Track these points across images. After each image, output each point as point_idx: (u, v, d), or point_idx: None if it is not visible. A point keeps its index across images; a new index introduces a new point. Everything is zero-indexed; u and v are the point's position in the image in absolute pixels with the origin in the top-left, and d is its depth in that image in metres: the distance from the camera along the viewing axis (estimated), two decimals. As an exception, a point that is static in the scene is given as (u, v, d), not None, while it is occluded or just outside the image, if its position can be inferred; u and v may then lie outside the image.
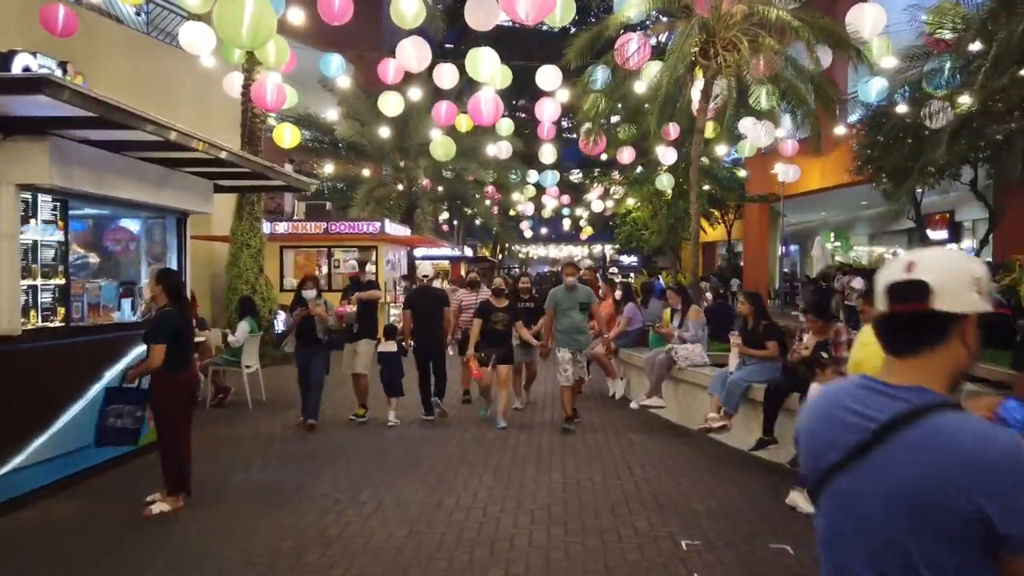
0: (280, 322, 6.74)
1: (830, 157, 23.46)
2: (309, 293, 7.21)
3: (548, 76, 13.40)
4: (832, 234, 33.83)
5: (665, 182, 19.28)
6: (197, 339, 8.88)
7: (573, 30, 38.06)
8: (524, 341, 7.77)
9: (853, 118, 24.16)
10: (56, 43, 10.53)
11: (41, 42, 10.86)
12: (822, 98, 9.33)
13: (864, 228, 33.49)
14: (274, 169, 6.57)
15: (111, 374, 5.78)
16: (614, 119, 14.28)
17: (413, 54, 10.71)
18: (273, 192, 12.11)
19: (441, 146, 13.88)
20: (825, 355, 5.28)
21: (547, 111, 13.98)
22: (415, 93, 15.80)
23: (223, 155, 5.38)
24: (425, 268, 9.42)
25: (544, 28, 38.94)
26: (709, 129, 17.66)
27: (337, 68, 13.52)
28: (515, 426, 7.53)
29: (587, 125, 13.68)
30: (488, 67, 10.80)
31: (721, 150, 18.05)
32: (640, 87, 11.14)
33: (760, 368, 6.24)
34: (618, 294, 9.25)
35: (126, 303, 6.34)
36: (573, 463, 6.17)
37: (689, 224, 24.79)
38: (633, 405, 7.69)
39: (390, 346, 7.99)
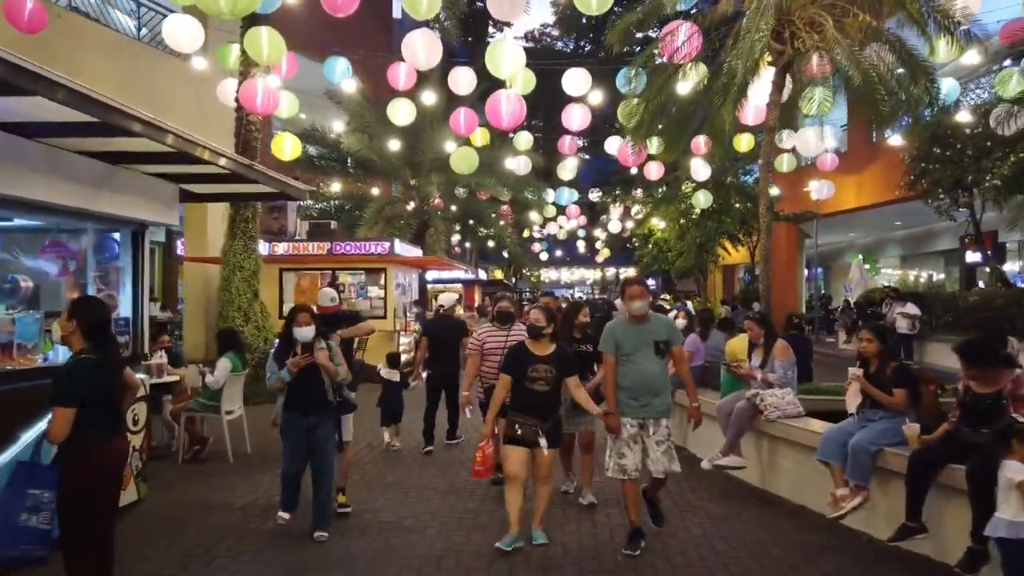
0: (270, 371, 4.81)
1: (866, 173, 22.08)
2: (305, 332, 4.76)
3: (576, 80, 12.06)
4: (860, 256, 32.38)
5: (702, 200, 17.85)
6: (170, 378, 7.48)
7: (588, 47, 37.27)
8: (578, 403, 4.96)
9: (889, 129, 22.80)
10: (37, 44, 9.28)
11: (18, 43, 9.64)
12: (930, 90, 7.81)
13: (895, 250, 31.91)
14: (254, 168, 5.16)
15: (30, 437, 4.31)
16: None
17: (421, 49, 9.35)
18: (258, 201, 10.69)
19: (462, 158, 12.46)
20: (1021, 420, 3.74)
21: (575, 118, 12.59)
22: (428, 102, 14.56)
23: (172, 141, 3.95)
24: (445, 297, 8.04)
25: (559, 45, 38.10)
26: (743, 142, 16.26)
27: (342, 72, 12.28)
28: (564, 503, 5.83)
29: (623, 138, 12.27)
30: (511, 62, 9.42)
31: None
32: (684, 88, 9.70)
33: (892, 426, 4.70)
34: (680, 322, 7.63)
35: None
36: (648, 560, 4.60)
37: (718, 245, 23.56)
38: (705, 464, 6.13)
39: (393, 374, 7.91)
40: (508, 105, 9.35)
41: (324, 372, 4.84)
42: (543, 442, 4.54)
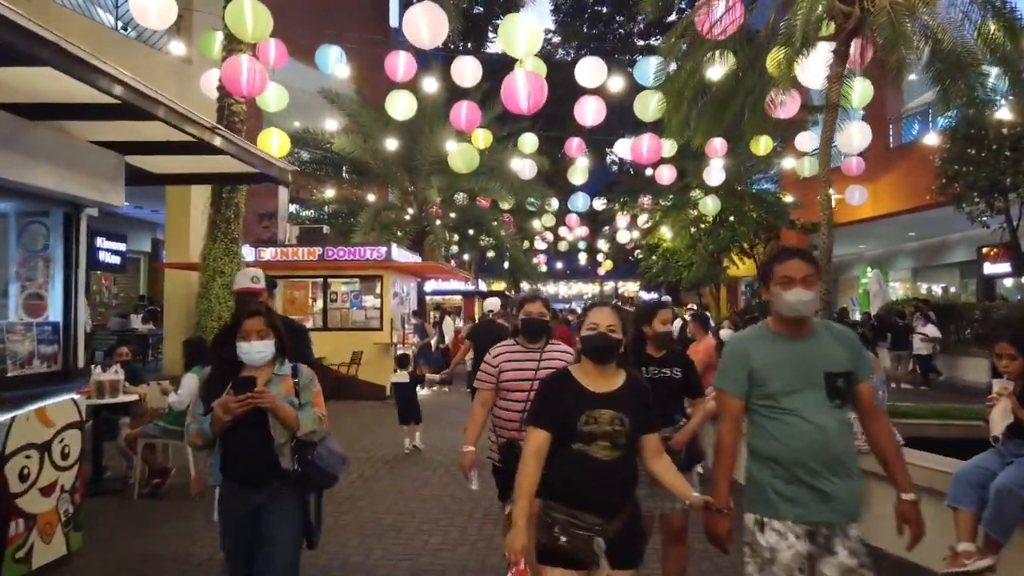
0: (190, 417, 3.11)
1: (883, 181, 21.17)
2: (254, 351, 2.91)
3: (590, 70, 11.10)
4: (869, 268, 31.54)
5: (710, 205, 16.84)
6: (127, 397, 6.35)
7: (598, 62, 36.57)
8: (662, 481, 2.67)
9: (913, 130, 21.93)
10: None
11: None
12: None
13: (906, 262, 31.00)
14: (218, 132, 4.06)
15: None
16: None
17: (424, 24, 8.34)
18: (230, 183, 9.56)
19: (461, 155, 11.42)
20: None
21: (589, 111, 11.59)
22: (428, 90, 13.66)
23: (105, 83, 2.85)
24: (491, 302, 8.20)
25: (560, 53, 37.35)
26: (761, 145, 15.29)
27: (336, 60, 11.30)
28: None
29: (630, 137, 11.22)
30: (527, 41, 8.41)
31: (788, 163, 15.57)
32: (725, 65, 8.68)
33: (1048, 463, 3.60)
34: (726, 333, 6.38)
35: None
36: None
37: (731, 255, 22.43)
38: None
39: (402, 377, 8.04)
40: (526, 84, 8.22)
41: (275, 419, 2.85)
42: (604, 561, 2.42)
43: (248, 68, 8.22)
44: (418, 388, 8.32)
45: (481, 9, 31.39)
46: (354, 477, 6.69)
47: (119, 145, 4.30)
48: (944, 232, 23.86)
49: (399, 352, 9.11)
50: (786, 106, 9.33)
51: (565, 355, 3.55)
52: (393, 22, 28.98)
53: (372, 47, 19.46)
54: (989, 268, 22.82)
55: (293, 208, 19.62)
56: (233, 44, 10.16)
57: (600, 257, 34.15)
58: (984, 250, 22.07)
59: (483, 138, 13.54)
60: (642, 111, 11.12)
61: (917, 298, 19.62)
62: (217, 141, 4.06)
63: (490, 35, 33.01)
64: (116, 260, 19.95)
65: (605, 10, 37.63)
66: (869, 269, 31.88)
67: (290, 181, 5.39)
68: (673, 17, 39.67)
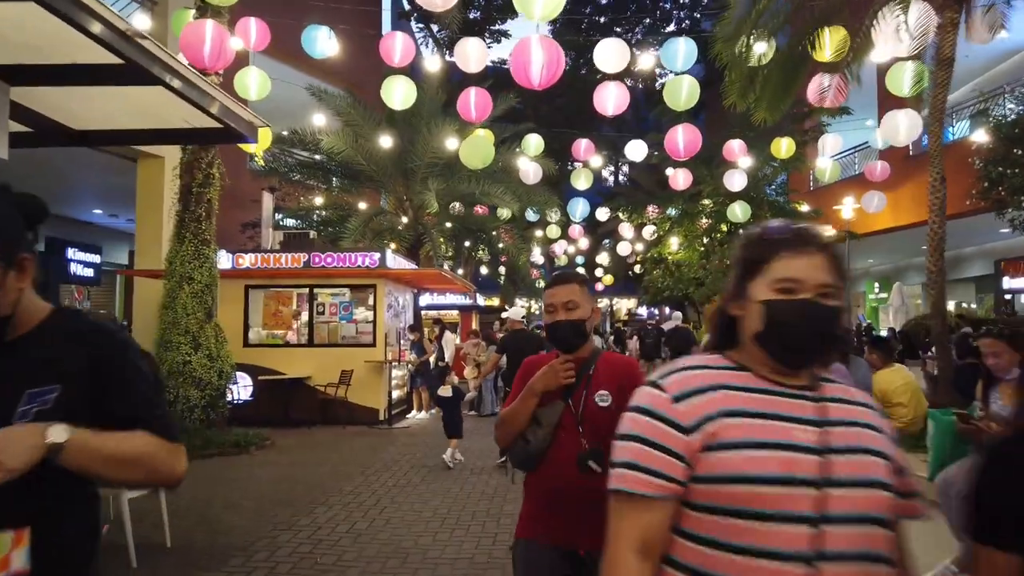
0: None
1: (903, 190, 20.14)
2: None
3: (611, 54, 9.86)
4: (876, 284, 30.59)
5: (739, 212, 15.64)
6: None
7: (586, 68, 35.86)
8: None
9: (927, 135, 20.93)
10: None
11: None
12: None
13: (917, 276, 29.99)
14: (142, 44, 2.71)
15: None
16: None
17: (437, -17, 7.08)
18: (182, 142, 8.15)
19: (475, 148, 10.05)
20: None
21: (609, 99, 10.33)
22: (426, 86, 12.38)
23: None
24: (514, 312, 8.38)
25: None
26: (783, 147, 14.17)
27: (324, 42, 10.02)
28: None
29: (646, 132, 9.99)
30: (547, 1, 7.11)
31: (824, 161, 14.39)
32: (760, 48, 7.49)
33: None
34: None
35: None
36: None
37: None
38: (926, 583, 3.67)
39: (447, 391, 8.11)
40: (541, 53, 6.90)
41: None
42: None
43: (212, 36, 6.86)
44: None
45: (479, 14, 30.46)
46: (342, 532, 5.28)
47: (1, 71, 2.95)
48: (960, 245, 22.88)
49: (441, 369, 9.34)
50: (836, 91, 8.19)
51: (869, 412, 1.31)
52: (387, 30, 28.18)
53: (364, 59, 18.34)
54: (1009, 282, 21.76)
55: (278, 217, 18.34)
56: (204, 11, 8.95)
57: (599, 272, 32.90)
58: (1003, 264, 21.03)
59: (485, 137, 12.30)
60: (674, 98, 9.88)
61: (959, 316, 18.42)
62: (136, 55, 2.70)
63: (487, 40, 32.12)
64: (90, 272, 18.57)
65: (602, 20, 36.93)
66: (876, 284, 30.94)
67: (257, 139, 4.05)
68: (672, 27, 39.12)
